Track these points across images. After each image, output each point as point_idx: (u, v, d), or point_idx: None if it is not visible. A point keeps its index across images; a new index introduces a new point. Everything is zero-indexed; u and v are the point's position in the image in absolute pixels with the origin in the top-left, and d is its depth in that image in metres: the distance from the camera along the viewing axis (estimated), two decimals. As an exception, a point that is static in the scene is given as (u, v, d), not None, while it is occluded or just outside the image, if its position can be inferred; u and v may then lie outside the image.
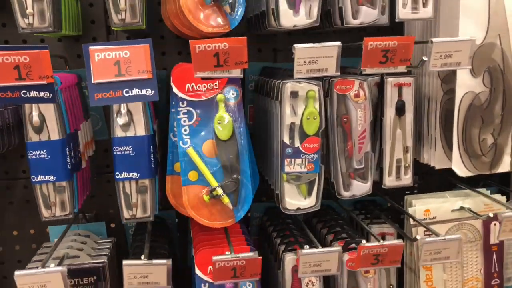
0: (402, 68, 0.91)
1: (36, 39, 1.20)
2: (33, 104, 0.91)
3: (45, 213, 0.95)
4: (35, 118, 0.91)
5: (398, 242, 0.96)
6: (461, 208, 1.15)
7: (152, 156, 0.94)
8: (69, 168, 0.95)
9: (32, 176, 0.92)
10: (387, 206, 1.34)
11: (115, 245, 1.20)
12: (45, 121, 0.91)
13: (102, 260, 1.05)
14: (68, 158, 0.94)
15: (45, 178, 0.92)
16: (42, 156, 0.91)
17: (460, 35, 1.00)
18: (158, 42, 1.25)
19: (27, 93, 0.81)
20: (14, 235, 1.31)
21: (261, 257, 0.91)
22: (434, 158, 1.14)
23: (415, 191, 1.38)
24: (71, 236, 1.15)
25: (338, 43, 0.87)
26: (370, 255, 0.95)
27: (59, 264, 0.93)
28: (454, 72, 1.07)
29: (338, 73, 0.90)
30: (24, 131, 0.92)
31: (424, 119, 1.17)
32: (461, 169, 1.08)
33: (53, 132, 0.92)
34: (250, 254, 0.91)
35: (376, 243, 0.95)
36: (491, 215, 1.07)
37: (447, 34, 1.05)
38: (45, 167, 0.92)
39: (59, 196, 0.95)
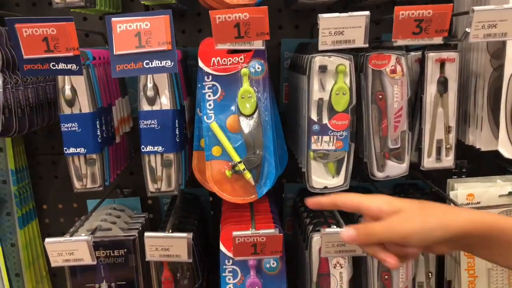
0: (438, 40, 0.84)
1: (79, 17, 1.24)
2: (66, 78, 0.94)
3: (77, 185, 0.98)
4: (67, 91, 0.94)
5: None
6: (510, 193, 1.06)
7: (177, 130, 0.94)
8: (100, 141, 0.97)
9: (65, 148, 0.96)
10: (430, 190, 1.26)
11: (150, 220, 1.23)
12: (76, 94, 0.94)
13: (133, 234, 1.08)
14: (98, 131, 0.97)
15: (76, 150, 0.95)
16: (74, 128, 0.95)
17: (510, 2, 0.91)
18: (195, 19, 1.25)
19: (56, 65, 0.84)
20: (59, 208, 1.38)
21: (281, 234, 0.89)
22: (480, 140, 1.05)
23: (463, 176, 1.29)
24: (107, 210, 1.19)
25: (367, 12, 0.82)
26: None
27: (91, 234, 0.97)
28: (505, 46, 0.97)
29: (367, 45, 0.84)
30: (58, 104, 0.95)
31: (471, 97, 1.07)
32: (508, 151, 0.99)
33: (84, 106, 0.95)
34: (271, 230, 0.89)
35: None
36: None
37: (499, 3, 0.95)
38: (76, 140, 0.95)
39: (89, 169, 0.98)
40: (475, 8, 0.82)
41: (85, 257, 0.91)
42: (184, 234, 0.89)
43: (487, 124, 1.04)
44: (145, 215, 1.22)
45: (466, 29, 0.87)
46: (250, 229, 0.90)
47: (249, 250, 0.90)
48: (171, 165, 0.95)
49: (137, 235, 1.08)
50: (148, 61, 0.80)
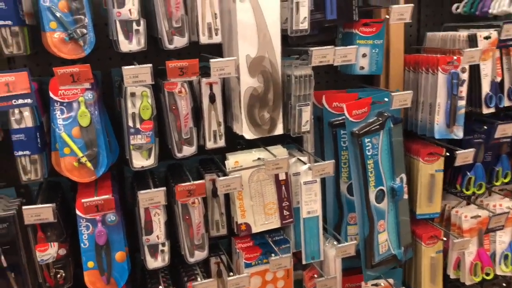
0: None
1: None
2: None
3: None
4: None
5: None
6: (259, 158, 1.77)
7: (39, 139, 1.45)
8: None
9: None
10: (216, 160, 1.94)
11: (24, 203, 1.70)
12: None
13: (12, 212, 1.56)
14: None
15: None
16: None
17: (240, 53, 1.58)
18: (46, 56, 1.72)
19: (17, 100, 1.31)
20: None
21: (113, 197, 1.47)
22: (237, 128, 1.73)
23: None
24: (-11, 199, 1.64)
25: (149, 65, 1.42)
26: (185, 191, 1.55)
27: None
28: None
29: (153, 82, 1.44)
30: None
31: (232, 104, 1.75)
32: (249, 134, 1.68)
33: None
34: (106, 196, 1.46)
35: (188, 183, 1.54)
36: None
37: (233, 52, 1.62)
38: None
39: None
40: (211, 60, 1.47)
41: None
42: (50, 204, 1.42)
43: (241, 120, 1.73)
44: (19, 199, 1.69)
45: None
46: (94, 197, 1.46)
47: (93, 209, 1.46)
48: (36, 162, 1.45)
49: (15, 212, 1.56)
50: (15, 100, 1.30)
